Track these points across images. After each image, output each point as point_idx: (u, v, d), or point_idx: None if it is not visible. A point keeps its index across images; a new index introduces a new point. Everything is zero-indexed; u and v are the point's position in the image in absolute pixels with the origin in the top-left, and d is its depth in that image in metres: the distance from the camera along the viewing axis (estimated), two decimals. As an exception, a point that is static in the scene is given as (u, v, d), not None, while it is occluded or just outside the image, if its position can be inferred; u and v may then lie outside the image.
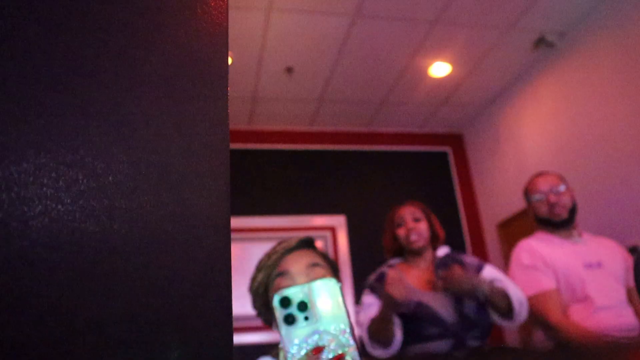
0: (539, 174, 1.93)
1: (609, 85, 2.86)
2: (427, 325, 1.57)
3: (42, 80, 0.30)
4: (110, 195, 0.30)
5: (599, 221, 2.80)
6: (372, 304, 1.66)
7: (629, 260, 1.82)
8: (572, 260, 1.72)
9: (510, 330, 3.08)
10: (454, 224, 3.98)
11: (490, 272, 1.68)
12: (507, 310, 1.52)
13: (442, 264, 1.72)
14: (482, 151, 4.11)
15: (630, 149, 2.72)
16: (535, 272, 1.72)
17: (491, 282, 1.55)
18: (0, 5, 0.30)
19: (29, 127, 0.29)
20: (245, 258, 3.13)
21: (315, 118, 3.92)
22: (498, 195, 3.87)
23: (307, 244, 1.07)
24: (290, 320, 0.39)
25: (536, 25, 3.06)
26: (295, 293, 0.40)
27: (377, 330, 1.53)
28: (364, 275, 1.90)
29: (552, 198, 1.80)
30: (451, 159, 4.30)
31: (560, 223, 1.80)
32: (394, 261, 1.82)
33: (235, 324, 2.63)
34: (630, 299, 1.72)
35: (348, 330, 0.39)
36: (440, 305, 1.59)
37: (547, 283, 1.68)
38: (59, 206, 0.28)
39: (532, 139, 3.54)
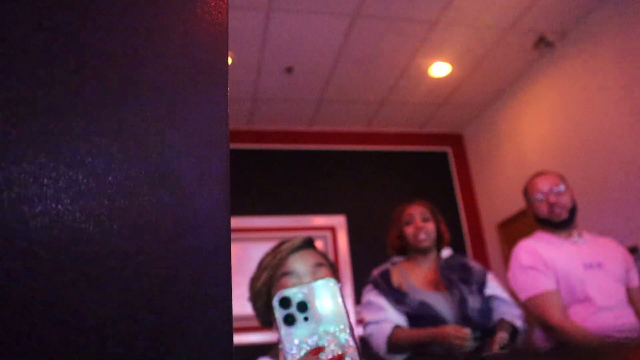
0: (539, 174, 1.92)
1: (609, 85, 2.86)
2: (428, 325, 1.57)
3: (42, 80, 0.30)
4: (110, 195, 0.30)
5: (599, 221, 2.80)
6: (382, 307, 1.62)
7: (630, 259, 1.81)
8: (572, 261, 1.71)
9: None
10: (454, 224, 3.98)
11: (492, 285, 1.70)
12: (514, 333, 1.57)
13: (447, 265, 1.72)
14: (482, 151, 4.11)
15: (630, 149, 2.72)
16: (534, 272, 1.71)
17: (503, 331, 1.55)
18: (0, 5, 0.30)
19: (29, 127, 0.29)
20: (245, 258, 3.13)
21: (315, 118, 3.92)
22: (498, 195, 3.87)
23: (311, 244, 1.07)
24: (290, 320, 0.39)
25: (536, 25, 3.06)
26: (295, 293, 0.40)
27: (405, 347, 1.53)
28: (364, 275, 1.90)
29: (552, 198, 1.79)
30: (451, 159, 4.30)
31: (560, 223, 1.79)
32: (398, 259, 1.82)
33: (235, 324, 2.63)
34: (631, 299, 1.71)
35: (348, 330, 0.39)
36: (443, 306, 1.59)
37: (546, 284, 1.68)
38: (59, 206, 0.28)
39: (532, 139, 3.54)
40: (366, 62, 3.28)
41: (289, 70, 3.26)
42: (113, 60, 0.33)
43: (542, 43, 3.19)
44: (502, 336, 1.48)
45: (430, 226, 1.75)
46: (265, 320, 1.10)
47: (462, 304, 1.59)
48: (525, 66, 3.48)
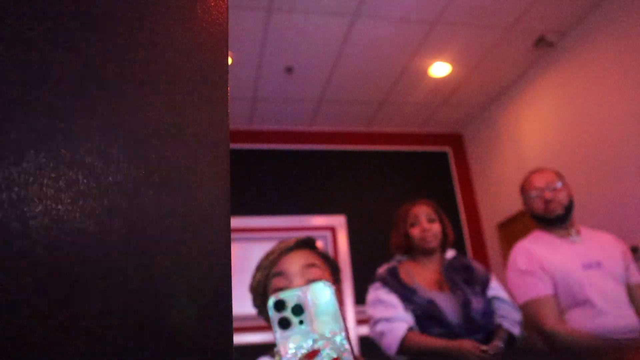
0: (535, 170, 1.90)
1: (609, 85, 2.86)
2: (432, 325, 1.57)
3: (42, 80, 0.30)
4: (110, 195, 0.30)
5: (599, 221, 2.80)
6: (394, 304, 1.61)
7: (629, 254, 1.79)
8: (571, 262, 1.69)
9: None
10: (454, 224, 3.98)
11: (494, 287, 1.71)
12: (511, 340, 1.58)
13: (450, 266, 1.72)
14: (482, 151, 4.11)
15: (630, 149, 2.72)
16: (531, 277, 1.69)
17: (501, 338, 1.54)
18: (1, 5, 0.30)
19: (29, 127, 0.29)
20: (245, 258, 3.13)
21: (315, 118, 3.92)
22: (498, 195, 3.87)
23: (305, 244, 1.07)
24: (284, 323, 0.39)
25: (536, 25, 3.06)
26: (290, 296, 0.40)
27: (416, 352, 1.52)
28: (364, 275, 1.90)
29: (548, 194, 1.78)
30: (451, 159, 4.30)
31: (555, 219, 1.78)
32: (402, 258, 1.81)
33: (235, 324, 2.63)
34: (632, 296, 1.69)
35: (343, 334, 0.39)
36: (447, 307, 1.59)
37: (542, 289, 1.66)
38: (59, 206, 0.28)
39: (532, 139, 3.54)
40: (366, 62, 3.28)
41: (289, 70, 3.27)
42: (113, 60, 0.33)
43: (542, 43, 3.19)
44: (497, 344, 1.48)
45: (437, 227, 1.75)
46: (266, 317, 1.11)
47: (465, 305, 1.59)
48: (525, 66, 3.48)
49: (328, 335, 0.38)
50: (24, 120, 0.29)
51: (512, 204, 3.53)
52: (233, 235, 3.31)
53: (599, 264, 1.69)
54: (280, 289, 1.00)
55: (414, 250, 1.78)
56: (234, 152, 3.62)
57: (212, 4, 0.37)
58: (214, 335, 0.30)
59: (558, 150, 3.28)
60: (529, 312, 1.65)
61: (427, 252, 1.74)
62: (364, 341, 3.19)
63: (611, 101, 2.85)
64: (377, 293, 1.68)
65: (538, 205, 1.81)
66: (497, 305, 1.65)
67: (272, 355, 1.08)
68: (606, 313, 1.59)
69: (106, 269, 0.29)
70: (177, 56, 0.35)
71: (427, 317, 1.58)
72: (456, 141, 4.36)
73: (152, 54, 0.34)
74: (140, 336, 0.28)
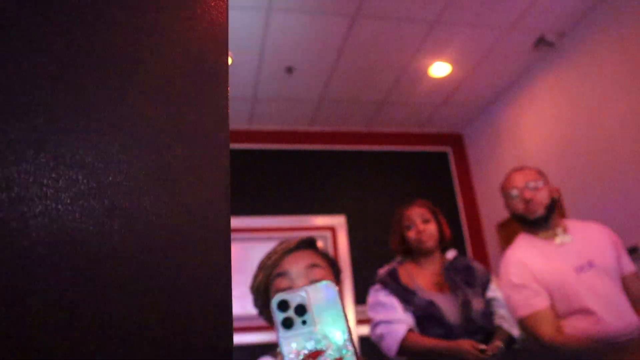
0: (516, 169, 1.83)
1: (609, 85, 2.86)
2: (432, 326, 1.57)
3: (42, 80, 0.30)
4: (110, 195, 0.30)
5: (599, 221, 2.80)
6: (393, 306, 1.61)
7: (619, 243, 1.72)
8: (563, 268, 1.63)
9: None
10: (454, 224, 3.98)
11: (493, 287, 1.70)
12: (511, 341, 1.58)
13: (451, 267, 1.72)
14: (482, 151, 4.11)
15: (630, 149, 2.72)
16: (526, 291, 1.64)
17: (501, 339, 1.54)
18: (1, 5, 0.30)
19: (29, 127, 0.29)
20: (245, 258, 3.13)
21: (315, 118, 3.92)
22: (498, 195, 3.86)
23: (307, 244, 1.07)
24: (287, 323, 0.39)
25: (536, 25, 3.06)
26: (293, 296, 0.40)
27: (415, 353, 1.52)
28: (364, 275, 1.90)
29: (527, 194, 1.70)
30: (451, 159, 4.30)
31: (535, 221, 1.70)
32: (402, 259, 1.81)
33: (235, 324, 2.63)
34: (626, 288, 1.64)
35: (346, 334, 0.39)
36: (447, 308, 1.59)
37: (538, 303, 1.61)
38: (59, 206, 0.28)
39: (532, 139, 3.54)
40: (366, 62, 3.28)
41: (289, 70, 3.27)
42: (113, 60, 0.33)
43: (542, 43, 3.19)
44: (497, 345, 1.48)
45: (432, 227, 1.74)
46: (268, 318, 1.11)
47: (465, 306, 1.59)
48: (525, 66, 3.48)
49: (331, 335, 0.38)
50: (24, 120, 0.29)
51: (512, 204, 3.53)
52: (233, 235, 3.31)
53: (591, 264, 1.63)
54: (283, 290, 1.00)
55: (412, 252, 1.77)
56: (234, 152, 3.62)
57: (212, 4, 0.37)
58: (214, 335, 0.30)
59: (558, 150, 3.29)
60: (527, 327, 1.60)
61: (425, 253, 1.74)
62: (364, 341, 3.20)
63: (611, 101, 2.85)
64: (377, 295, 1.68)
65: (517, 205, 1.74)
66: (496, 306, 1.65)
67: (273, 355, 1.08)
68: (605, 318, 1.53)
69: (106, 269, 0.29)
70: (177, 56, 0.35)
71: (427, 318, 1.58)
72: (456, 141, 4.36)
73: (152, 54, 0.34)
74: (140, 336, 0.28)
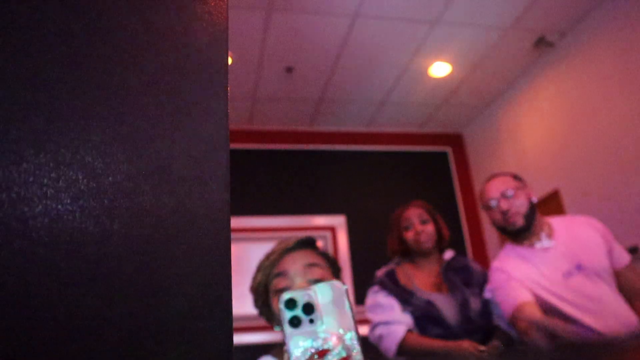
0: (490, 178, 1.74)
1: (609, 85, 2.86)
2: (431, 326, 1.57)
3: (42, 80, 0.30)
4: (110, 195, 0.30)
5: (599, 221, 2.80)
6: (392, 306, 1.61)
7: (609, 236, 1.64)
8: (551, 275, 1.57)
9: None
10: (454, 224, 3.98)
11: (490, 290, 1.69)
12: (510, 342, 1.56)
13: (449, 267, 1.72)
14: (482, 151, 4.11)
15: (630, 149, 2.72)
16: (507, 289, 1.58)
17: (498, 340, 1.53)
18: (1, 5, 0.30)
19: (29, 127, 0.29)
20: (245, 258, 3.13)
21: (315, 118, 3.92)
22: (498, 195, 3.86)
23: (306, 244, 1.07)
24: (295, 322, 0.39)
25: (536, 25, 3.06)
26: (301, 295, 0.40)
27: (415, 354, 1.52)
28: (364, 275, 1.89)
29: (504, 205, 1.62)
30: (451, 159, 4.30)
31: (517, 232, 1.64)
32: (400, 260, 1.81)
33: (235, 324, 2.63)
34: (620, 284, 1.58)
35: (353, 333, 0.39)
36: (446, 307, 1.59)
37: (519, 296, 1.54)
38: (59, 206, 0.28)
39: (532, 139, 3.54)
40: (366, 62, 3.28)
41: (289, 70, 3.27)
42: (113, 60, 0.33)
43: (542, 43, 3.19)
44: (495, 345, 1.48)
45: (430, 228, 1.74)
46: (268, 318, 1.11)
47: (464, 305, 1.59)
48: (525, 66, 3.48)
49: (338, 334, 0.38)
50: (24, 120, 0.29)
51: (512, 204, 3.53)
52: (233, 235, 3.31)
53: (579, 266, 1.56)
54: (282, 290, 1.00)
55: (410, 253, 1.77)
56: (234, 152, 3.62)
57: (212, 4, 0.37)
58: (214, 335, 0.30)
59: (558, 150, 3.29)
60: (514, 322, 1.53)
61: (423, 254, 1.74)
62: (364, 341, 3.19)
63: (611, 101, 2.85)
64: (376, 297, 1.68)
65: (496, 217, 1.66)
66: (494, 306, 1.65)
67: (274, 355, 1.08)
68: (600, 328, 1.48)
69: (106, 269, 0.29)
70: (177, 56, 0.35)
71: (426, 318, 1.58)
72: (456, 141, 4.36)
73: (152, 54, 0.34)
74: (140, 336, 0.28)
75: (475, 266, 1.77)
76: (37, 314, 0.26)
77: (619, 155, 2.79)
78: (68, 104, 0.30)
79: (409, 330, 1.57)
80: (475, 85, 3.64)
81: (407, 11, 2.85)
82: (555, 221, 1.72)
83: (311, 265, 1.01)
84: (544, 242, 1.64)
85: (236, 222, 3.51)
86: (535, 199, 1.69)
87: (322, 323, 0.39)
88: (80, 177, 0.29)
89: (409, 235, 1.74)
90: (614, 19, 2.83)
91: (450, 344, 1.47)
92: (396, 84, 3.54)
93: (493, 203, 1.65)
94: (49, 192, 0.28)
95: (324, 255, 1.08)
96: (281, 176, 3.87)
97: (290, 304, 0.39)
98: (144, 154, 0.32)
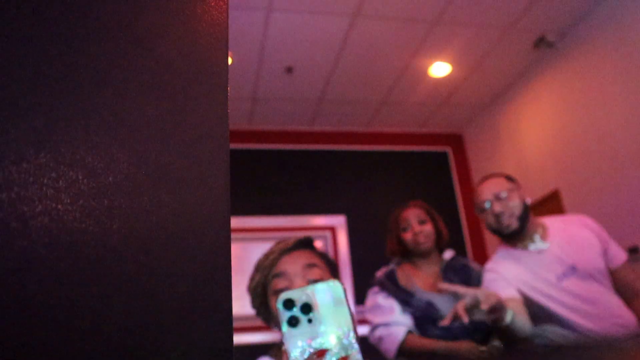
0: (483, 180, 1.72)
1: (609, 85, 2.86)
2: (431, 327, 1.57)
3: (42, 80, 0.30)
4: (110, 195, 0.30)
5: (599, 221, 2.80)
6: (392, 309, 1.61)
7: (603, 235, 1.63)
8: (546, 279, 1.56)
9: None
10: (454, 224, 3.98)
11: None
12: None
13: (449, 267, 1.72)
14: (482, 151, 4.11)
15: (630, 149, 2.72)
16: (497, 283, 1.57)
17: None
18: (0, 5, 0.30)
19: (29, 127, 0.29)
20: (245, 258, 3.13)
21: (315, 118, 3.92)
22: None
23: (304, 244, 1.07)
24: (293, 322, 0.39)
25: (536, 25, 3.06)
26: (299, 295, 0.40)
27: (415, 355, 1.51)
28: (364, 275, 1.89)
29: (497, 207, 1.60)
30: (451, 159, 4.30)
31: (511, 234, 1.62)
32: (400, 260, 1.81)
33: (235, 324, 2.63)
34: (616, 285, 1.57)
35: (352, 333, 0.39)
36: (446, 308, 1.59)
37: (507, 292, 1.53)
38: (59, 206, 0.28)
39: (532, 139, 3.54)
40: (366, 62, 3.28)
41: (289, 70, 3.27)
42: (113, 60, 0.33)
43: (542, 43, 3.19)
44: (495, 345, 1.48)
45: (428, 228, 1.73)
46: (265, 318, 1.11)
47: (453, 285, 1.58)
48: (525, 66, 3.48)
49: (337, 334, 0.38)
50: (24, 120, 0.29)
51: (512, 204, 3.53)
52: (233, 235, 3.31)
53: (573, 268, 1.55)
54: (281, 290, 1.00)
55: (409, 254, 1.77)
56: (234, 152, 3.62)
57: (212, 4, 0.37)
58: (214, 335, 0.30)
59: (558, 150, 3.29)
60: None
61: (422, 254, 1.73)
62: (363, 342, 3.19)
63: (611, 101, 2.85)
64: (375, 298, 1.68)
65: (489, 220, 1.64)
66: None
67: (273, 355, 1.08)
68: (597, 330, 1.47)
69: (106, 269, 0.29)
70: (177, 56, 0.35)
71: (426, 319, 1.58)
72: (456, 141, 4.36)
73: (152, 54, 0.34)
74: (140, 336, 0.28)
75: (475, 266, 1.77)
76: (37, 314, 0.26)
77: (619, 155, 2.79)
78: (68, 104, 0.30)
79: (409, 332, 1.56)
80: (475, 85, 3.64)
81: (407, 11, 2.85)
82: (549, 222, 1.70)
83: (310, 265, 1.01)
84: (537, 244, 1.62)
85: (236, 222, 3.51)
86: (529, 200, 1.67)
87: (321, 323, 0.39)
88: (80, 177, 0.29)
89: (407, 236, 1.74)
90: (614, 19, 2.83)
91: (451, 345, 1.47)
92: (396, 84, 3.54)
93: (486, 205, 1.64)
94: (49, 192, 0.28)
95: (322, 255, 1.08)
96: (281, 176, 3.87)
97: (289, 304, 0.39)
98: (144, 154, 0.32)
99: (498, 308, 1.32)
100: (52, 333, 0.26)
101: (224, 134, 0.34)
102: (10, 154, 0.28)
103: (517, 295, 1.53)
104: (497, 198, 1.62)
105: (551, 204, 3.30)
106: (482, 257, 3.89)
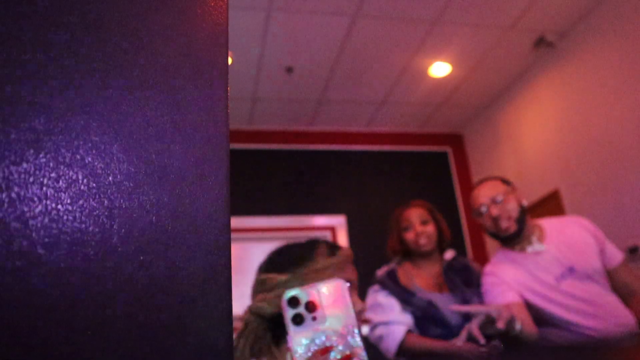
0: (479, 183, 1.73)
1: (609, 85, 2.86)
2: (431, 326, 1.57)
3: (42, 80, 0.30)
4: (110, 195, 0.30)
5: (599, 221, 2.80)
6: (392, 308, 1.61)
7: (600, 236, 1.63)
8: (544, 280, 1.57)
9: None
10: (454, 224, 3.98)
11: None
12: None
13: (450, 267, 1.72)
14: (482, 151, 4.11)
15: (630, 149, 2.72)
16: (498, 287, 1.58)
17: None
18: (1, 6, 0.30)
19: (29, 127, 0.29)
20: (245, 258, 3.13)
21: (316, 118, 3.92)
22: (498, 195, 3.86)
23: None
24: (298, 320, 0.39)
25: (536, 25, 3.06)
26: (303, 293, 0.40)
27: (414, 354, 1.51)
28: (364, 275, 1.88)
29: (494, 211, 1.60)
30: (451, 159, 4.30)
31: (510, 237, 1.63)
32: (401, 259, 1.81)
33: (235, 324, 2.62)
34: (614, 284, 1.58)
35: (356, 331, 0.39)
36: (447, 308, 1.59)
37: (509, 297, 1.54)
38: (59, 206, 0.28)
39: (532, 139, 3.54)
40: (366, 62, 3.28)
41: (289, 70, 3.27)
42: (113, 60, 0.33)
43: (542, 43, 3.19)
44: (495, 345, 1.48)
45: (430, 229, 1.73)
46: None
47: (464, 305, 1.59)
48: (525, 66, 3.48)
49: (341, 332, 0.39)
50: (24, 120, 0.29)
51: (512, 204, 3.53)
52: (233, 235, 3.31)
53: (571, 269, 1.55)
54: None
55: (411, 253, 1.77)
56: (234, 152, 3.62)
57: (212, 4, 0.37)
58: (214, 335, 0.30)
59: (558, 150, 3.29)
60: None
61: (423, 255, 1.73)
62: (363, 340, 3.20)
63: (611, 101, 2.85)
64: (376, 296, 1.68)
65: (487, 224, 1.64)
66: None
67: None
68: (597, 330, 1.48)
69: (106, 269, 0.29)
70: (177, 56, 0.35)
71: (426, 318, 1.58)
72: (456, 141, 4.36)
73: (152, 54, 0.34)
74: (140, 335, 0.28)
75: (476, 266, 1.77)
76: (37, 313, 0.26)
77: (619, 155, 2.79)
78: (68, 104, 0.30)
79: (409, 331, 1.56)
80: (475, 85, 3.64)
81: (407, 11, 2.85)
82: (546, 223, 1.71)
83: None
84: (535, 246, 1.62)
85: (236, 222, 3.51)
86: (525, 203, 1.68)
87: (325, 321, 0.39)
88: (80, 177, 0.29)
89: (409, 236, 1.74)
90: (614, 19, 2.83)
91: (451, 345, 1.47)
92: (396, 84, 3.54)
93: (483, 209, 1.64)
94: (49, 192, 0.28)
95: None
96: (281, 176, 3.87)
97: (293, 302, 0.39)
98: (144, 154, 0.32)
99: (512, 320, 1.33)
100: (52, 332, 0.26)
101: (224, 134, 0.34)
102: (10, 154, 0.28)
103: (518, 299, 1.54)
104: (494, 201, 1.62)
105: (551, 204, 3.30)
106: (482, 257, 3.88)
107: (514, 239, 1.63)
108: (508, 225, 1.60)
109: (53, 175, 0.29)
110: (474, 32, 3.07)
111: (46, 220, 0.28)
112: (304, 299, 0.39)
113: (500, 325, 1.28)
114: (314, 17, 2.84)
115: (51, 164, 0.29)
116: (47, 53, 0.31)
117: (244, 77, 3.29)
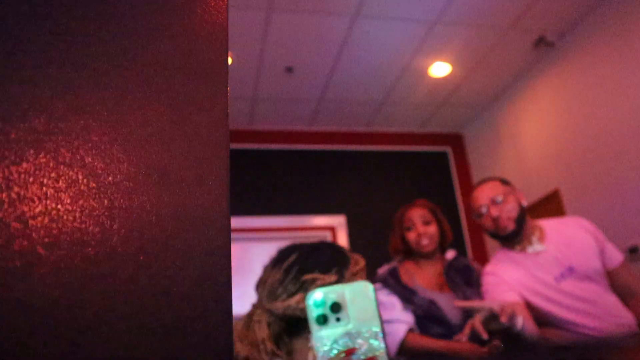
0: (478, 184, 1.73)
1: (609, 84, 2.86)
2: (432, 325, 1.57)
3: (42, 81, 0.30)
4: (110, 195, 0.30)
5: (599, 221, 2.80)
6: (394, 305, 1.61)
7: (600, 237, 1.64)
8: (544, 280, 1.57)
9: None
10: (454, 224, 3.98)
11: None
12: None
13: (452, 267, 1.72)
14: (482, 151, 4.11)
15: (630, 149, 2.72)
16: (498, 287, 1.58)
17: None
18: (1, 5, 0.30)
19: (29, 127, 0.29)
20: (245, 258, 3.13)
21: (315, 118, 3.92)
22: (498, 195, 3.86)
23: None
24: (322, 320, 0.39)
25: (536, 25, 3.06)
26: (329, 293, 0.40)
27: (415, 353, 1.51)
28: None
29: (494, 211, 1.62)
30: (451, 159, 4.30)
31: (508, 236, 1.64)
32: (402, 258, 1.81)
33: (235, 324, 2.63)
34: (613, 285, 1.58)
35: (380, 333, 0.39)
36: (448, 307, 1.59)
37: (509, 297, 1.53)
38: (59, 206, 0.28)
39: (532, 139, 3.54)
40: (366, 62, 3.28)
41: (289, 70, 3.27)
42: (113, 60, 0.33)
43: (542, 43, 3.19)
44: (496, 344, 1.48)
45: (433, 229, 1.73)
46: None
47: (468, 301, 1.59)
48: (525, 66, 3.48)
49: (365, 334, 0.38)
50: (24, 120, 0.29)
51: (512, 204, 3.53)
52: (233, 235, 3.31)
53: (571, 269, 1.56)
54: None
55: (412, 253, 1.77)
56: (234, 152, 3.62)
57: (212, 4, 0.37)
58: (214, 335, 0.30)
59: (558, 149, 3.29)
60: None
61: (425, 255, 1.74)
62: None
63: (611, 101, 2.85)
64: (377, 294, 1.67)
65: (487, 224, 1.66)
66: None
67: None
68: (597, 329, 1.48)
69: (106, 269, 0.29)
70: (177, 56, 0.35)
71: (427, 317, 1.58)
72: (456, 141, 4.36)
73: (152, 54, 0.34)
74: (140, 336, 0.28)
75: (476, 266, 1.77)
76: (37, 313, 0.26)
77: (619, 155, 2.79)
78: (68, 104, 0.30)
79: (410, 329, 1.56)
80: (475, 85, 3.64)
81: (407, 11, 2.85)
82: (546, 224, 1.71)
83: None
84: (535, 246, 1.63)
85: (236, 222, 3.51)
86: (525, 203, 1.68)
87: (349, 322, 0.39)
88: (80, 177, 0.29)
89: (411, 236, 1.74)
90: (614, 19, 2.83)
91: (452, 344, 1.47)
92: (396, 84, 3.54)
93: (483, 210, 1.65)
94: (49, 192, 0.28)
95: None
96: (281, 176, 3.87)
97: (318, 302, 0.39)
98: (144, 154, 0.32)
99: (513, 316, 1.33)
100: (52, 332, 0.26)
101: (224, 134, 0.34)
102: (10, 154, 0.28)
103: (518, 299, 1.54)
104: (494, 202, 1.63)
105: (551, 204, 3.30)
106: (482, 257, 3.88)
107: (513, 238, 1.64)
108: (507, 225, 1.61)
109: (53, 175, 0.29)
110: (474, 32, 3.07)
111: (46, 220, 0.28)
112: (329, 299, 0.39)
113: (504, 319, 1.28)
114: (314, 17, 2.84)
115: (51, 164, 0.29)
116: (47, 53, 0.31)
117: (244, 77, 3.29)
